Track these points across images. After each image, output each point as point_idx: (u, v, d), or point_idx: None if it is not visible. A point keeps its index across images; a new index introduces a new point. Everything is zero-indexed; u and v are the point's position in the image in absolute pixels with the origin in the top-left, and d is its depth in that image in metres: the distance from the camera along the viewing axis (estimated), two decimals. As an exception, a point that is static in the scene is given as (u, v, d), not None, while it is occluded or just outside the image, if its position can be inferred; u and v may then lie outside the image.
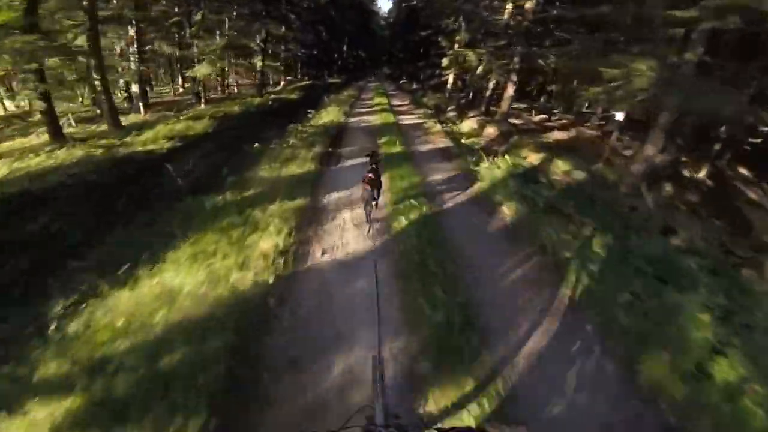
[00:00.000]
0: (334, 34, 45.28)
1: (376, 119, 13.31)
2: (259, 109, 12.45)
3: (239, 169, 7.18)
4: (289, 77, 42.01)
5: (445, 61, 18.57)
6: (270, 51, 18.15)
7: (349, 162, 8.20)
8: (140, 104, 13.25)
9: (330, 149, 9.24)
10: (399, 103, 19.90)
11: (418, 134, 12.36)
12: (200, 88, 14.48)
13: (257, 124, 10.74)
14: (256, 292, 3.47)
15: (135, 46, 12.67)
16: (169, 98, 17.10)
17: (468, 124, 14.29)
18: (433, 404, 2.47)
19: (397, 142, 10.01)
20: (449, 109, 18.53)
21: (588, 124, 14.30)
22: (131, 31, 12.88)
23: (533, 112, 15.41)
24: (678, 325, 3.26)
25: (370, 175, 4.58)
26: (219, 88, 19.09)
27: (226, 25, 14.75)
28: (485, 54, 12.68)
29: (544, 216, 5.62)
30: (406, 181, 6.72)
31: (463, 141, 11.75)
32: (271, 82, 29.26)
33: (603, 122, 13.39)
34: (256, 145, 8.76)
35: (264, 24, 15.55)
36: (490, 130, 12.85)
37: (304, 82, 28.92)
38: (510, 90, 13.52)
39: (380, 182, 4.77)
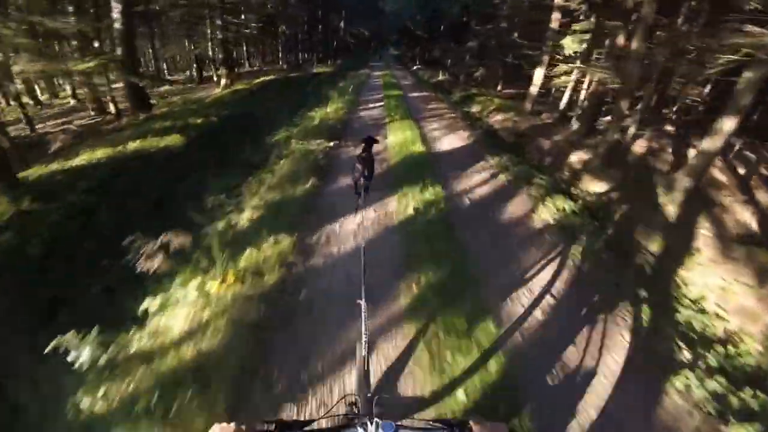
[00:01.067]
0: (327, 4, 33.57)
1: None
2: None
3: None
4: (261, 66, 30.69)
5: (568, 43, 7.73)
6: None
7: None
8: None
9: None
10: (447, 131, 8.82)
11: None
12: None
13: None
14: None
15: None
16: None
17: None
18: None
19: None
20: (575, 160, 7.59)
21: None
22: None
23: None
24: None
25: (363, 154, 4.24)
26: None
27: None
28: None
29: None
30: None
31: None
32: (214, 75, 18.17)
33: None
34: None
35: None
36: None
37: (270, 77, 17.81)
38: None
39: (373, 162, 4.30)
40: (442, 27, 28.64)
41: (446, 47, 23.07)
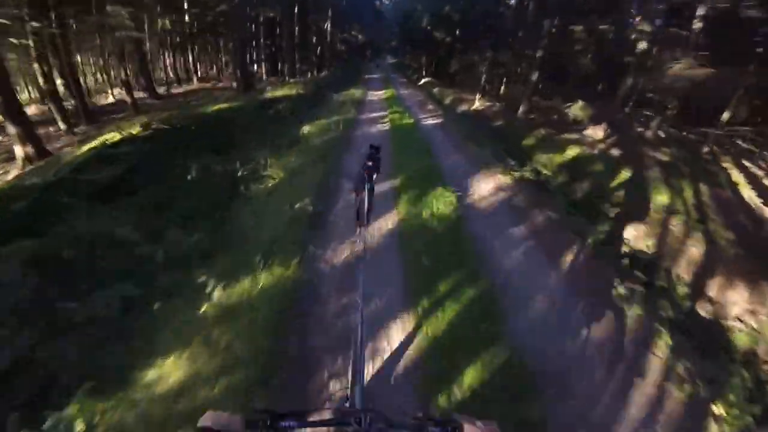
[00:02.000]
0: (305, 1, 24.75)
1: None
2: None
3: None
4: (214, 85, 21.64)
5: None
6: None
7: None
8: None
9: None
10: None
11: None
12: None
13: None
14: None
15: None
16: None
17: None
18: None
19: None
20: None
21: None
22: None
23: None
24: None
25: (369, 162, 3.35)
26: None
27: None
28: None
29: None
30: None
31: None
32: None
33: None
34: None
35: None
36: None
37: (153, 127, 8.63)
38: None
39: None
40: (457, 31, 19.88)
41: (494, 56, 14.14)
